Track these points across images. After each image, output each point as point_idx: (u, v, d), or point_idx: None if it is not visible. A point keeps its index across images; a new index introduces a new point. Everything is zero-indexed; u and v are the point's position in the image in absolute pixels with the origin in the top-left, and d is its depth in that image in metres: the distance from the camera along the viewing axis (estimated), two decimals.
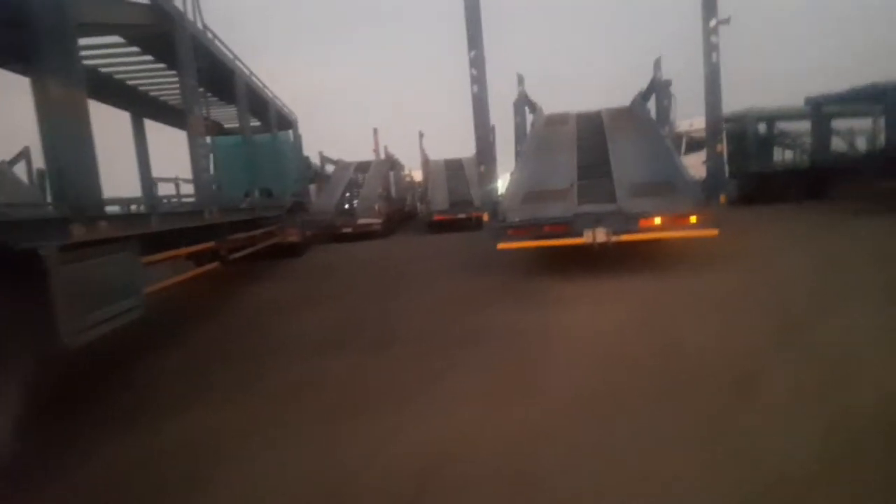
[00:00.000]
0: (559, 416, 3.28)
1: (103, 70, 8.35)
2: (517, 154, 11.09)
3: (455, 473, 2.76)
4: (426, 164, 23.54)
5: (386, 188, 22.49)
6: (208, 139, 14.70)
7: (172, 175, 13.69)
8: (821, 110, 18.71)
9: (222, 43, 8.61)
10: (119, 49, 7.60)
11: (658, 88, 11.09)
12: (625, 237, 7.44)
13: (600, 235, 7.36)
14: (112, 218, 4.28)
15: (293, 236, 12.84)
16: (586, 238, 7.41)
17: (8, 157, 7.42)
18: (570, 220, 7.56)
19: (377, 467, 2.88)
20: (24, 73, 4.96)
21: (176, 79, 7.93)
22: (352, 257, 13.64)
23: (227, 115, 12.92)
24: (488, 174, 8.15)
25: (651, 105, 11.65)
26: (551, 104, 13.13)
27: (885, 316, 4.78)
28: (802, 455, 2.65)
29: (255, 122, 13.20)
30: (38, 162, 6.87)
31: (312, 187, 23.26)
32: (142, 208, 7.95)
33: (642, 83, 12.00)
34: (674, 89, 10.91)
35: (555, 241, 7.69)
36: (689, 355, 4.18)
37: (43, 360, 3.19)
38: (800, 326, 4.64)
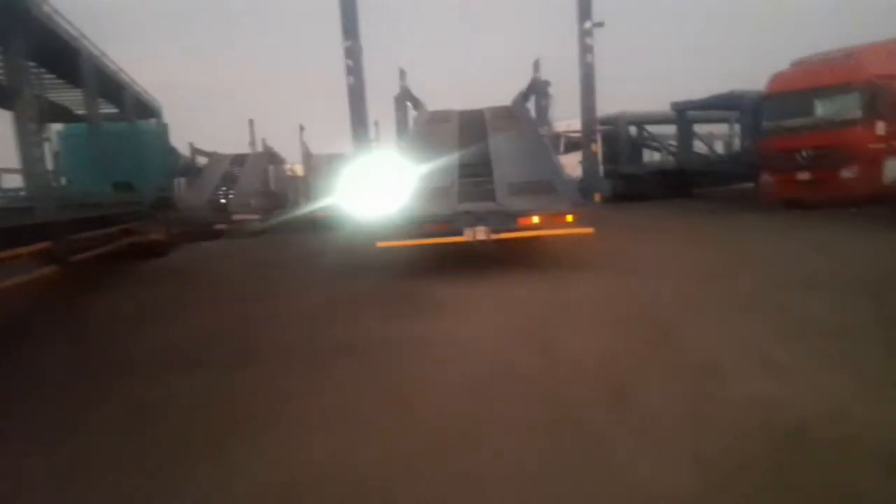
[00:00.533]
0: (421, 445, 2.98)
1: None
2: (398, 150, 10.79)
3: None
4: (307, 157, 22.63)
5: (264, 182, 21.38)
6: (59, 127, 13.38)
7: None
8: (685, 115, 20.00)
9: (65, 19, 7.59)
10: None
11: (537, 89, 11.21)
12: (504, 235, 7.39)
13: (480, 234, 7.26)
14: None
15: (156, 234, 11.76)
16: (467, 236, 7.29)
17: None
18: (450, 219, 7.40)
19: None
20: None
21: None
22: (222, 257, 12.74)
23: (78, 101, 11.59)
24: (364, 169, 7.79)
25: (531, 105, 11.78)
26: (437, 102, 13.02)
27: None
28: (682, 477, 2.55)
29: (112, 109, 12.02)
30: None
31: (182, 181, 21.79)
32: None
33: (524, 83, 12.13)
34: (552, 90, 11.06)
35: (435, 240, 7.50)
36: (562, 363, 4.07)
37: None
38: (667, 330, 4.69)
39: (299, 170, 26.22)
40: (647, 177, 21.33)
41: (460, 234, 7.29)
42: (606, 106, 21.36)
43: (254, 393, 3.91)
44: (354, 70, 7.10)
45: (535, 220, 7.39)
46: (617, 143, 21.08)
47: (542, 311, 5.64)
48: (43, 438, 3.38)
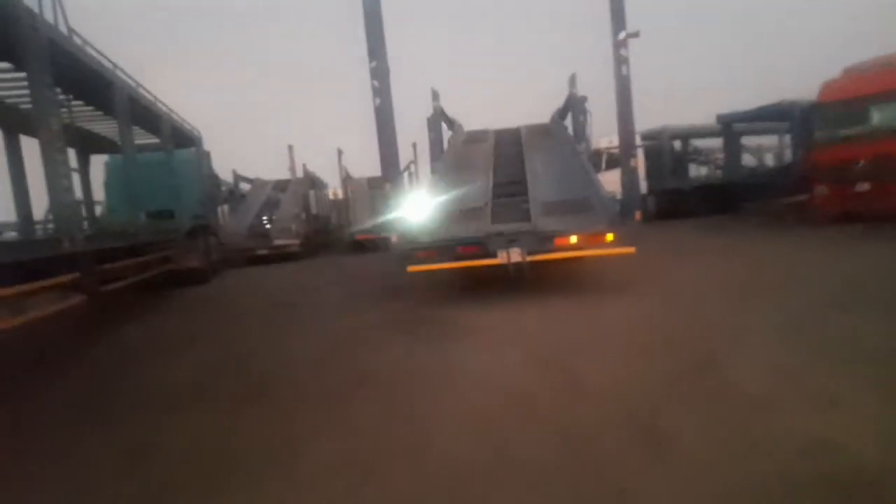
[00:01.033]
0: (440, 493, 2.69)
1: None
2: (432, 171, 10.61)
3: None
4: (346, 182, 22.77)
5: (306, 207, 21.54)
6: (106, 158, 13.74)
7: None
8: (731, 128, 19.33)
9: (97, 50, 7.70)
10: None
11: (574, 105, 10.91)
12: (540, 257, 7.06)
13: (515, 256, 6.95)
14: None
15: (194, 262, 11.84)
16: (500, 259, 6.99)
17: None
18: (483, 241, 7.11)
19: None
20: None
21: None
22: (258, 283, 12.70)
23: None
24: (395, 192, 7.60)
25: (569, 122, 11.49)
26: (475, 123, 12.85)
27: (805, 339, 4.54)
28: None
29: (152, 139, 12.24)
30: None
31: (225, 208, 22.17)
32: None
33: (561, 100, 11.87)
34: (590, 105, 10.75)
35: (468, 263, 7.23)
36: (593, 399, 3.69)
37: None
38: (712, 364, 4.21)
39: (341, 193, 26.44)
40: (692, 192, 20.66)
41: (494, 256, 7.00)
42: (649, 120, 20.98)
43: (260, 431, 3.66)
44: (381, 91, 6.96)
45: (573, 240, 7.04)
46: (660, 158, 20.51)
47: (576, 339, 5.24)
48: (28, 479, 3.24)
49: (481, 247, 7.09)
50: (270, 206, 21.09)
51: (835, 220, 12.45)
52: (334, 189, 27.21)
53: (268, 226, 19.39)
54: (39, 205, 9.02)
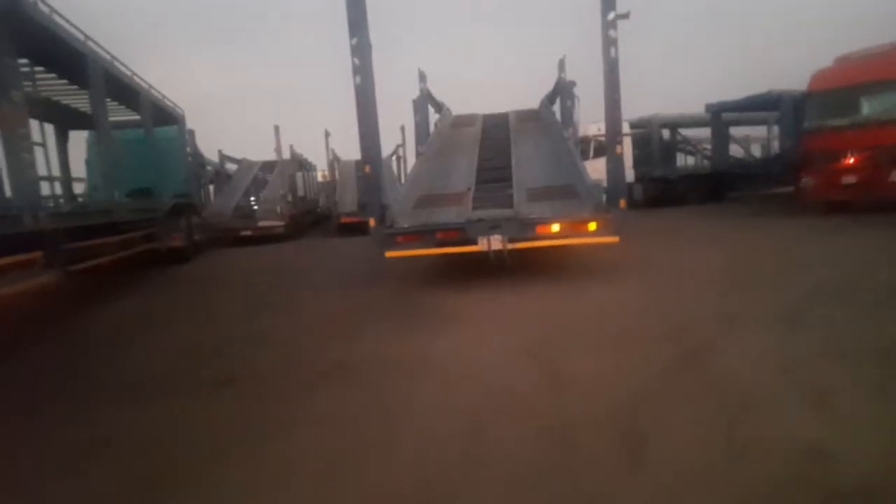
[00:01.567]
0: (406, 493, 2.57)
1: None
2: (417, 155, 10.45)
3: None
4: (333, 163, 22.49)
5: (292, 189, 21.26)
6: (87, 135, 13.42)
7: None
8: (720, 117, 19.24)
9: (68, 21, 7.41)
10: None
11: (562, 89, 10.75)
12: (521, 245, 6.93)
13: (495, 243, 6.81)
14: None
15: (176, 241, 11.62)
16: (481, 245, 6.84)
17: None
18: (463, 227, 6.96)
19: None
20: None
21: None
22: (240, 264, 12.50)
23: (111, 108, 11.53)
24: (374, 175, 7.42)
25: (557, 107, 11.32)
26: (463, 107, 12.67)
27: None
28: None
29: (134, 116, 11.97)
30: None
31: (211, 188, 21.87)
32: None
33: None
34: (578, 91, 10.58)
35: (447, 249, 7.10)
36: (574, 393, 3.56)
37: None
38: (698, 355, 4.09)
39: (329, 175, 26.12)
40: (679, 181, 20.64)
41: (474, 243, 6.86)
42: (639, 109, 20.83)
43: (227, 421, 3.51)
44: (362, 69, 6.73)
45: (555, 227, 6.90)
46: (649, 146, 20.42)
47: (556, 328, 5.10)
48: None
49: (462, 233, 6.94)
50: (257, 187, 20.82)
51: (822, 211, 12.42)
52: (323, 171, 26.89)
53: (255, 206, 19.15)
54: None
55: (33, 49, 6.34)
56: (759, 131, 24.99)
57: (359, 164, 21.70)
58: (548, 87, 11.94)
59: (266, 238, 17.81)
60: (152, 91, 11.51)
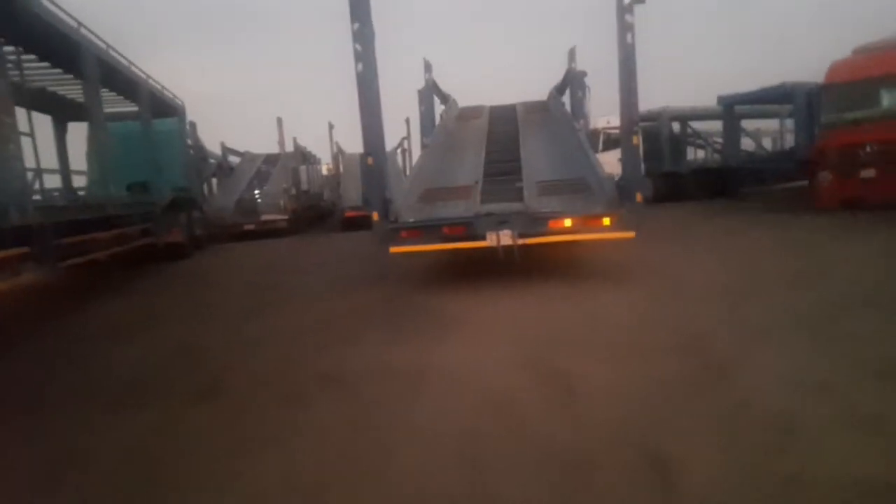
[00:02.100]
0: None
1: None
2: (422, 147, 10.14)
3: None
4: (338, 156, 22.17)
5: (295, 182, 20.98)
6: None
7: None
8: (732, 110, 18.83)
9: (60, 8, 7.11)
10: None
11: (572, 80, 10.41)
12: (532, 240, 6.60)
13: (505, 238, 6.48)
14: None
15: (174, 236, 11.35)
16: (489, 241, 6.53)
17: None
18: (471, 221, 6.64)
19: None
20: None
21: None
22: (240, 260, 12.23)
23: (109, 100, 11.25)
24: (377, 167, 7.10)
25: (567, 98, 10.99)
26: (470, 99, 12.35)
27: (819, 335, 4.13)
28: None
29: (132, 107, 11.69)
30: None
31: (214, 182, 21.61)
32: None
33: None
34: (589, 81, 10.25)
35: (454, 245, 6.78)
36: (585, 409, 3.24)
37: None
38: (721, 369, 3.72)
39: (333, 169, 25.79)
40: (689, 176, 20.24)
41: (482, 238, 6.55)
42: (648, 102, 20.41)
43: (206, 438, 3.20)
44: (364, 56, 6.41)
45: (567, 223, 6.58)
46: (658, 140, 20.00)
47: (568, 334, 4.77)
48: None
49: (469, 228, 6.63)
50: (260, 180, 20.57)
51: (838, 207, 12.03)
52: (328, 164, 26.58)
53: (257, 200, 18.90)
54: None
55: (22, 36, 6.05)
56: (772, 125, 24.64)
57: (363, 158, 21.38)
58: (557, 78, 11.61)
59: (269, 232, 17.58)
60: (151, 81, 11.22)
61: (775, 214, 13.07)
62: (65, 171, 12.79)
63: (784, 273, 6.60)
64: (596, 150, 14.30)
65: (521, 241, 6.54)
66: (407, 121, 20.37)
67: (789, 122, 19.47)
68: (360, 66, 6.44)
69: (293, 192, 20.07)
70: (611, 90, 7.40)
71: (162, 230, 10.87)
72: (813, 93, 14.22)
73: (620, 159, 7.26)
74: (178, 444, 3.17)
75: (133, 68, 10.16)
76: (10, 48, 6.48)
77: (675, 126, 21.33)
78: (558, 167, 7.88)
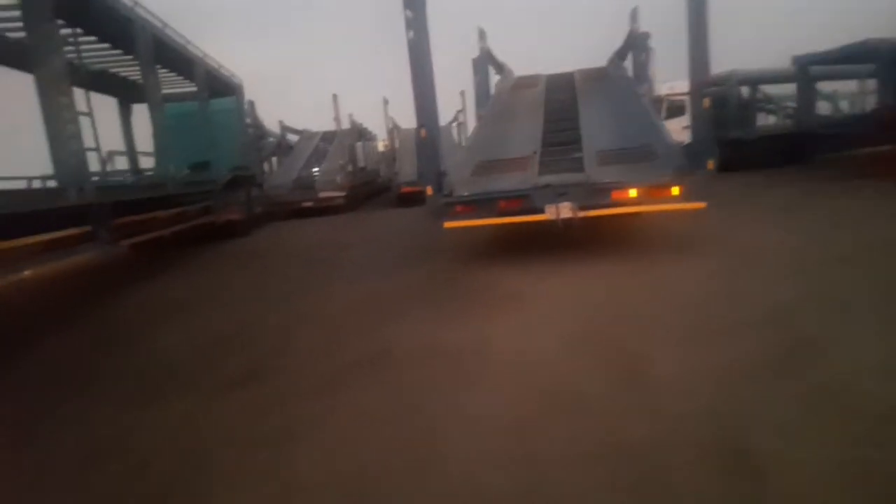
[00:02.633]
0: None
1: None
2: (476, 118, 9.85)
3: None
4: (393, 132, 22.06)
5: (352, 159, 21.02)
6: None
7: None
8: (807, 71, 17.59)
9: None
10: None
11: (635, 42, 9.85)
12: (594, 213, 6.26)
13: (565, 211, 6.17)
14: None
15: (232, 215, 11.50)
16: (548, 214, 6.23)
17: None
18: (528, 194, 6.35)
19: None
20: None
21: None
22: (296, 237, 12.25)
23: (165, 81, 11.43)
24: (430, 140, 6.88)
25: (629, 63, 10.44)
26: (526, 69, 11.90)
27: None
28: None
29: (190, 87, 11.84)
30: None
31: (274, 160, 21.94)
32: None
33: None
34: (653, 43, 9.67)
35: (510, 219, 6.50)
36: (655, 398, 2.96)
37: None
38: (817, 354, 3.30)
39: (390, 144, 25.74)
40: (759, 142, 19.07)
41: (541, 211, 6.25)
42: (714, 66, 19.32)
43: (242, 424, 3.12)
44: (415, 22, 6.16)
45: (633, 193, 6.19)
46: (726, 105, 18.89)
47: (632, 311, 4.47)
48: None
49: (527, 200, 6.34)
50: (318, 157, 20.70)
51: None
52: (384, 140, 26.54)
53: (315, 177, 19.03)
54: None
55: (81, 17, 6.08)
56: (849, 86, 22.98)
57: (417, 132, 21.16)
58: (617, 42, 11.03)
59: (326, 209, 17.68)
60: (207, 60, 11.29)
61: (855, 181, 12.12)
62: (131, 152, 13.16)
63: (872, 243, 6.03)
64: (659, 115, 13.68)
65: (581, 214, 6.22)
66: (462, 93, 20.03)
67: (871, 83, 18.05)
68: (411, 34, 6.20)
69: (349, 168, 20.10)
70: (675, 54, 6.94)
71: (220, 208, 11.01)
72: None
73: (686, 127, 6.79)
74: (218, 430, 3.10)
75: (189, 47, 10.23)
76: (68, 30, 6.56)
77: (744, 90, 20.12)
78: (621, 135, 7.46)
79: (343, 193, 18.44)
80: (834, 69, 19.20)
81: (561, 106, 9.18)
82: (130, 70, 10.88)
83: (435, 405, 3.11)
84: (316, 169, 19.57)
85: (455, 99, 20.72)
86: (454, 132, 22.18)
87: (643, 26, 9.99)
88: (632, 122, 7.76)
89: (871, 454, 2.21)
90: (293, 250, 10.15)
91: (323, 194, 18.26)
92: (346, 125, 22.02)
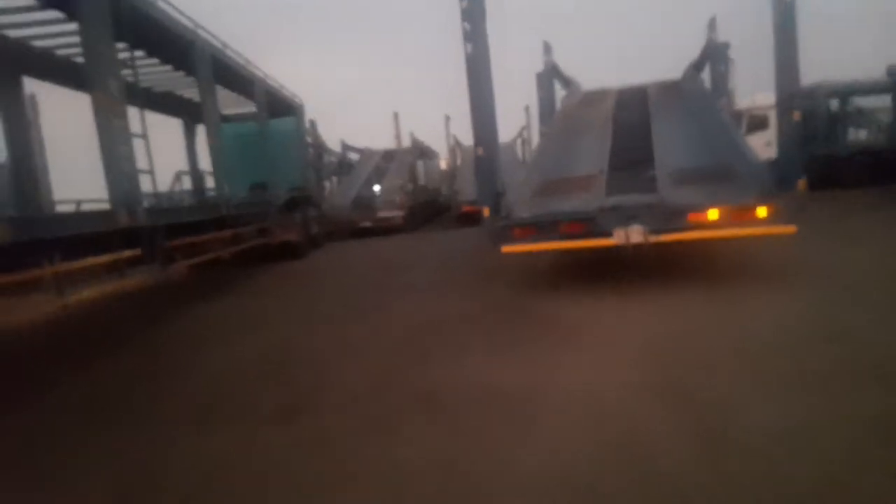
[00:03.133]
0: None
1: None
2: (540, 135, 9.38)
3: None
4: (455, 149, 21.79)
5: (412, 178, 20.86)
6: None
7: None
8: None
9: (174, 7, 7.13)
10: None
11: (713, 53, 9.17)
12: (667, 237, 5.63)
13: (635, 235, 5.57)
14: None
15: (288, 235, 11.38)
16: (617, 238, 5.64)
17: None
18: (594, 216, 5.80)
19: None
20: None
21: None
22: (352, 259, 12.02)
23: (226, 101, 11.55)
24: (488, 157, 6.44)
25: (706, 75, 9.76)
26: (598, 83, 11.36)
27: None
28: None
29: (251, 109, 11.91)
30: None
31: (334, 179, 22.05)
32: None
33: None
34: (733, 53, 8.97)
35: (574, 243, 5.94)
36: (735, 459, 2.43)
37: None
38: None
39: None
40: (850, 159, 17.65)
41: (608, 235, 5.68)
42: (802, 76, 18.11)
43: (277, 472, 2.76)
44: (474, 35, 5.78)
45: (713, 215, 5.55)
46: (813, 119, 17.61)
47: (709, 354, 3.87)
48: None
49: (592, 223, 5.79)
50: (378, 176, 20.65)
51: None
52: (446, 159, 26.35)
53: (375, 196, 18.94)
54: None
55: (144, 40, 6.06)
56: None
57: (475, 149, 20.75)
58: (694, 54, 10.35)
59: (385, 229, 17.51)
60: (268, 80, 11.30)
61: None
62: (194, 172, 13.37)
63: None
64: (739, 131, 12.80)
65: (654, 239, 5.61)
66: (526, 109, 19.62)
67: None
68: (469, 47, 5.83)
69: (409, 187, 19.92)
70: (756, 65, 6.28)
71: (276, 230, 10.91)
72: None
73: (769, 143, 6.09)
74: (252, 473, 2.80)
75: (250, 67, 10.24)
76: (128, 54, 6.58)
77: (834, 103, 18.74)
78: (699, 152, 6.82)
79: (402, 213, 18.24)
80: None
81: (632, 121, 8.58)
82: (194, 91, 11.02)
83: (486, 455, 2.74)
84: (375, 188, 19.50)
85: (520, 115, 20.29)
86: (518, 149, 21.69)
87: (721, 36, 9.33)
88: (710, 138, 7.11)
89: None
90: (347, 273, 9.88)
91: (382, 214, 18.11)
92: (406, 143, 21.93)
